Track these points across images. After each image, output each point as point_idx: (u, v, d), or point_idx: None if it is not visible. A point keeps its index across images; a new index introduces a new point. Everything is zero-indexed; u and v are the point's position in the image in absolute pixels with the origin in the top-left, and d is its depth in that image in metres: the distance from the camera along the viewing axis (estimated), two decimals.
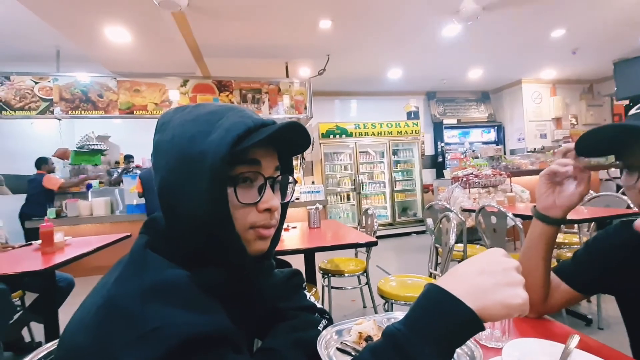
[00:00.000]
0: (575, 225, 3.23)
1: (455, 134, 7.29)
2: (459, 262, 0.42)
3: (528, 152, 6.20)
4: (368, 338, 0.73)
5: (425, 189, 6.39)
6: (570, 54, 5.31)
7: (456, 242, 2.04)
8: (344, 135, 5.96)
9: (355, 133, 6.02)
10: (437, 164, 7.06)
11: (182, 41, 3.92)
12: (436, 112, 7.11)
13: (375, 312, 2.55)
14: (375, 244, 1.93)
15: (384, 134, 6.16)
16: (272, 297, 0.61)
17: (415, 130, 6.31)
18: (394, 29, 4.19)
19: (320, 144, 5.82)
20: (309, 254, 2.35)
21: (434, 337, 0.36)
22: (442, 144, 7.06)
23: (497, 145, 6.65)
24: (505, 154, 6.36)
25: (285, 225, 2.73)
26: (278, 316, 0.61)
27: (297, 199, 4.55)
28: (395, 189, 6.26)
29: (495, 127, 7.36)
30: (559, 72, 6.37)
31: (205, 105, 0.52)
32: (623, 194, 3.01)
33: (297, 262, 2.32)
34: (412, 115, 6.70)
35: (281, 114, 4.52)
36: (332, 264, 2.62)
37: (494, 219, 2.57)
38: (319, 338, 0.69)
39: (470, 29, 4.21)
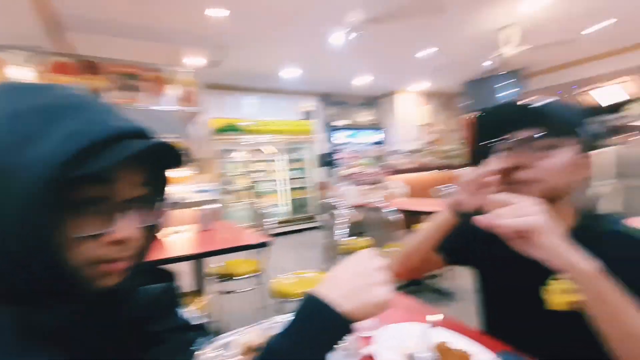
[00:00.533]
0: None
1: (346, 135, 7.86)
2: (348, 255, 0.45)
3: (405, 153, 7.12)
4: (254, 348, 0.70)
5: (319, 186, 6.70)
6: (436, 71, 6.29)
7: (346, 236, 2.18)
8: (239, 132, 5.76)
9: (251, 130, 5.89)
10: (329, 162, 7.49)
11: (33, 7, 3.14)
12: (330, 113, 7.53)
13: (269, 313, 2.54)
14: (270, 244, 1.91)
15: (280, 133, 6.20)
16: (138, 321, 0.52)
17: (311, 130, 6.54)
18: (291, 29, 4.23)
19: (213, 140, 5.48)
20: (198, 260, 2.18)
21: (312, 345, 0.38)
22: (335, 144, 7.52)
23: (381, 146, 7.44)
24: (387, 154, 7.16)
25: (173, 229, 2.47)
26: (147, 342, 0.52)
27: (184, 200, 4.18)
28: (290, 187, 6.37)
29: (380, 130, 8.23)
30: (427, 85, 7.50)
31: (46, 90, 0.37)
32: None
33: (186, 269, 2.13)
34: (308, 116, 6.93)
35: (166, 105, 4.06)
36: (225, 267, 2.49)
37: (378, 214, 2.85)
38: (197, 357, 0.63)
39: (357, 39, 4.57)
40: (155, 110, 3.80)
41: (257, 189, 5.97)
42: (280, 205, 6.38)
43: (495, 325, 0.84)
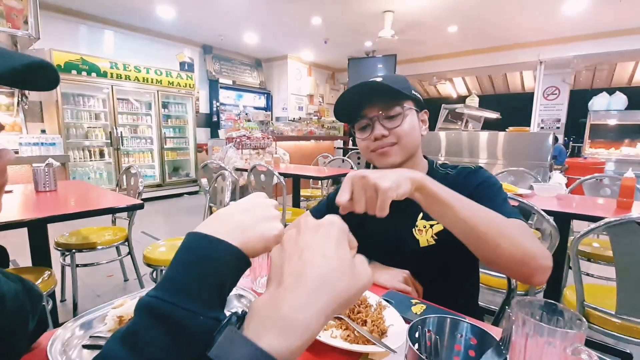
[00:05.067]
0: (319, 182, 4.10)
1: (230, 95, 7.36)
2: None
3: (289, 120, 7.18)
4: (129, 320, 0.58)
5: (199, 148, 6.18)
6: (323, 43, 6.42)
7: (231, 199, 2.08)
8: (94, 74, 4.68)
9: (112, 74, 4.87)
10: (212, 123, 6.94)
11: None
12: (212, 68, 6.86)
13: (141, 284, 2.27)
14: (140, 206, 1.65)
15: (152, 82, 5.33)
16: None
17: (190, 84, 5.85)
18: None
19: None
20: (36, 227, 1.73)
21: (199, 288, 0.31)
22: (218, 103, 6.97)
23: (266, 111, 7.29)
24: (272, 119, 7.08)
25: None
26: None
27: (16, 152, 3.21)
28: (165, 146, 5.66)
29: (265, 95, 8.01)
30: (314, 56, 7.61)
31: None
32: (350, 157, 4.07)
33: (18, 240, 1.66)
34: (186, 67, 6.14)
35: None
36: (78, 236, 2.07)
37: (263, 177, 2.82)
38: (51, 342, 0.51)
39: None
40: None
41: (121, 145, 5.07)
42: (151, 166, 5.62)
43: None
